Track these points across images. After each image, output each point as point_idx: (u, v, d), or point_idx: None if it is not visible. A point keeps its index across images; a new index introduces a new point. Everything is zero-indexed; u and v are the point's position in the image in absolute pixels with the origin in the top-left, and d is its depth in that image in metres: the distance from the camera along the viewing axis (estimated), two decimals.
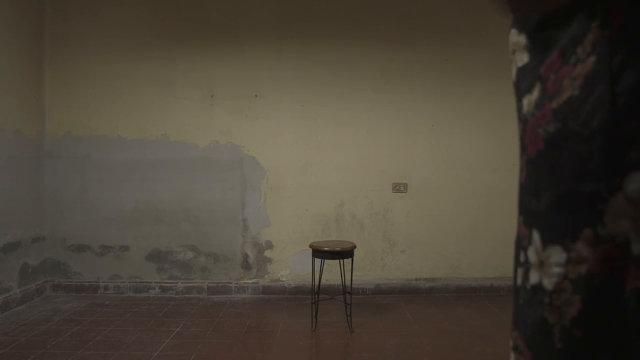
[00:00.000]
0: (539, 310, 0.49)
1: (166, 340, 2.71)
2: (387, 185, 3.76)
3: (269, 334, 2.83)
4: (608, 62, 0.44)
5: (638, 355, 0.40)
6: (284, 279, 3.75)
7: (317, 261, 3.04)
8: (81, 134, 3.75)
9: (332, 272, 3.66)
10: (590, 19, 0.45)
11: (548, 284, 0.48)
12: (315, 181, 3.75)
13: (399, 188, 3.76)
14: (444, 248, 3.77)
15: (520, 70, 0.56)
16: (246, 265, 3.75)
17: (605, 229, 0.43)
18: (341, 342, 2.71)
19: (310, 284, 3.61)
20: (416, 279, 3.76)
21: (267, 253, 3.76)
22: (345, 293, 3.01)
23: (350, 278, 3.07)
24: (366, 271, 3.74)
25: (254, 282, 3.72)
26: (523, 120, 0.54)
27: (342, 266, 3.08)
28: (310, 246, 2.92)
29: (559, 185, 0.47)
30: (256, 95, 3.76)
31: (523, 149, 0.54)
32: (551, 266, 0.48)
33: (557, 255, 0.47)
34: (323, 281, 3.55)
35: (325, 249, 2.81)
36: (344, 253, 2.85)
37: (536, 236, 0.50)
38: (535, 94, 0.52)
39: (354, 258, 3.11)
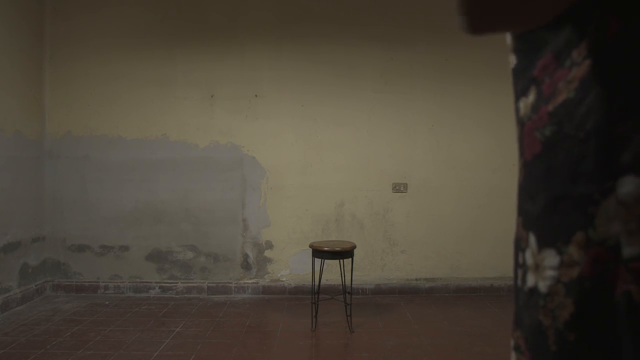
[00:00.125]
0: (534, 312, 0.49)
1: (166, 340, 2.71)
2: (387, 185, 3.76)
3: (269, 334, 2.83)
4: (603, 66, 0.44)
5: (628, 357, 0.40)
6: (284, 279, 3.75)
7: (317, 261, 3.04)
8: (81, 134, 3.75)
9: (332, 272, 3.66)
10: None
11: (543, 287, 0.48)
12: (315, 181, 3.75)
13: (399, 188, 3.76)
14: (444, 248, 3.77)
15: (513, 72, 0.57)
16: (246, 265, 3.75)
17: (596, 232, 0.43)
18: (341, 342, 2.71)
19: (310, 284, 3.61)
20: (416, 279, 3.76)
21: (267, 253, 3.76)
22: (345, 293, 3.01)
23: (350, 278, 3.07)
24: (366, 271, 3.74)
25: (254, 282, 3.73)
26: (520, 123, 0.54)
27: (342, 266, 3.08)
28: (310, 246, 2.92)
29: (554, 188, 0.48)
30: (256, 95, 3.76)
31: (521, 150, 0.55)
32: (545, 269, 0.48)
33: (551, 258, 0.47)
34: (323, 281, 3.55)
35: (325, 249, 2.81)
36: (344, 253, 2.85)
37: (532, 239, 0.51)
38: (531, 97, 0.52)
39: (354, 258, 3.11)
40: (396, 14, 3.73)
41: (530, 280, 0.51)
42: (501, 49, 3.62)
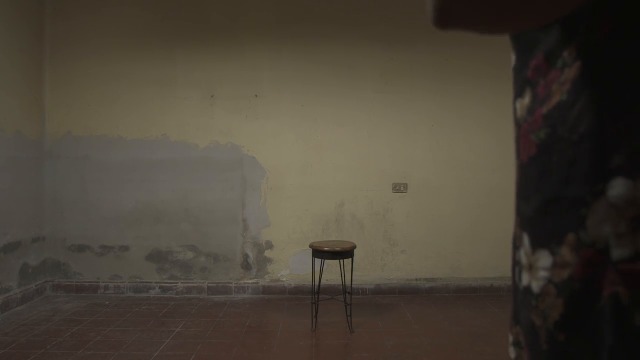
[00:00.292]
0: (528, 311, 0.50)
1: (166, 340, 2.71)
2: (387, 185, 3.76)
3: (269, 334, 2.83)
4: (594, 68, 0.44)
5: (605, 357, 0.41)
6: (284, 279, 3.75)
7: (317, 261, 3.04)
8: (81, 134, 3.75)
9: (332, 272, 3.66)
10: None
11: (535, 287, 0.49)
12: (315, 181, 3.75)
13: (399, 188, 3.76)
14: (444, 248, 3.77)
15: (513, 71, 0.57)
16: (246, 265, 3.75)
17: (587, 234, 0.43)
18: (341, 342, 2.71)
19: (310, 284, 3.61)
20: (416, 279, 3.76)
21: (267, 253, 3.76)
22: (345, 293, 3.01)
23: (350, 278, 3.07)
24: (366, 271, 3.74)
25: (254, 282, 3.73)
26: (517, 124, 0.55)
27: (342, 266, 3.08)
28: (310, 246, 2.92)
29: (547, 190, 0.48)
30: (256, 95, 3.76)
31: (517, 151, 0.55)
32: (538, 270, 0.48)
33: (544, 259, 0.48)
34: (323, 281, 3.56)
35: (325, 249, 2.81)
36: (344, 253, 2.85)
37: (526, 239, 0.51)
38: (526, 98, 0.52)
39: (354, 258, 3.11)
40: (396, 14, 3.73)
41: (525, 280, 0.51)
42: (501, 49, 3.62)
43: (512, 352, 0.56)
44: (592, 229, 0.43)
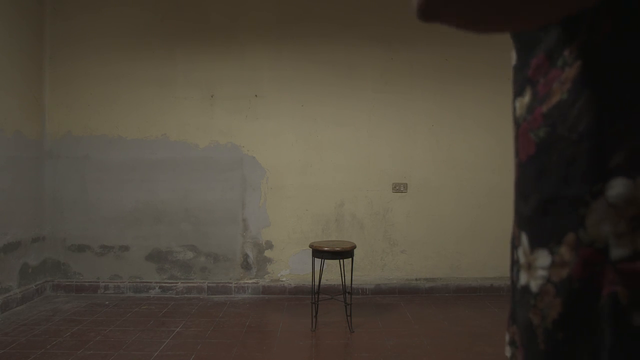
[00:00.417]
0: (526, 310, 0.50)
1: (166, 340, 2.71)
2: (387, 185, 3.76)
3: (269, 334, 2.83)
4: (595, 67, 0.44)
5: (612, 358, 0.41)
6: (284, 279, 3.75)
7: (317, 261, 3.04)
8: (81, 134, 3.75)
9: (332, 272, 3.66)
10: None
11: (534, 286, 0.49)
12: (315, 181, 3.75)
13: (399, 188, 3.76)
14: (444, 248, 3.77)
15: (513, 70, 0.57)
16: (246, 265, 3.75)
17: (586, 234, 0.43)
18: (341, 342, 2.71)
19: (310, 284, 3.61)
20: (416, 279, 3.76)
21: (267, 253, 3.76)
22: (345, 293, 3.01)
23: (350, 278, 3.07)
24: (366, 271, 3.74)
25: (254, 282, 3.73)
26: (516, 123, 0.54)
27: (342, 266, 3.08)
28: (310, 246, 2.92)
29: (546, 189, 0.48)
30: (256, 95, 3.76)
31: (516, 150, 0.55)
32: (537, 269, 0.48)
33: (543, 258, 0.48)
34: (323, 281, 3.56)
35: (325, 249, 2.81)
36: (344, 253, 2.85)
37: (524, 239, 0.51)
38: (526, 97, 0.52)
39: (354, 258, 3.11)
40: (396, 14, 3.73)
41: (523, 279, 0.51)
42: (501, 49, 3.62)
43: (508, 351, 0.56)
44: (591, 228, 0.43)
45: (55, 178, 3.74)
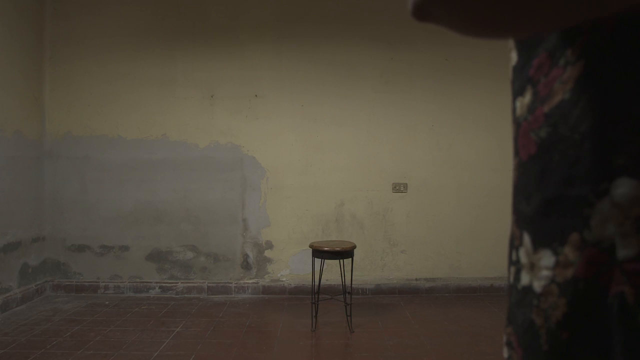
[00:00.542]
0: (527, 311, 0.50)
1: (166, 340, 2.71)
2: (387, 185, 3.76)
3: (269, 334, 2.83)
4: (597, 67, 0.44)
5: (619, 358, 0.41)
6: (284, 279, 3.75)
7: (317, 261, 3.04)
8: (81, 134, 3.75)
9: (332, 272, 3.66)
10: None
11: (537, 286, 0.48)
12: (315, 181, 3.75)
13: (399, 188, 3.76)
14: (443, 248, 3.77)
15: (513, 70, 0.56)
16: (246, 265, 3.75)
17: (591, 234, 0.43)
18: (341, 342, 2.71)
19: (310, 284, 3.61)
20: (416, 279, 3.76)
21: (267, 253, 3.76)
22: (345, 293, 3.01)
23: (350, 278, 3.07)
24: (366, 271, 3.74)
25: (254, 282, 3.73)
26: (516, 123, 0.54)
27: (342, 266, 3.08)
28: (310, 246, 2.92)
29: (548, 190, 0.48)
30: (256, 95, 3.76)
31: (516, 150, 0.54)
32: (541, 269, 0.48)
33: (546, 258, 0.47)
34: (323, 281, 3.56)
35: (325, 249, 2.81)
36: (344, 253, 2.85)
37: (527, 239, 0.51)
38: (527, 97, 0.52)
39: (354, 258, 3.11)
40: (396, 14, 3.73)
41: (525, 279, 0.51)
42: (502, 49, 3.62)
43: (505, 352, 0.56)
44: (596, 228, 0.43)
45: (55, 178, 3.74)
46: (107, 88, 3.75)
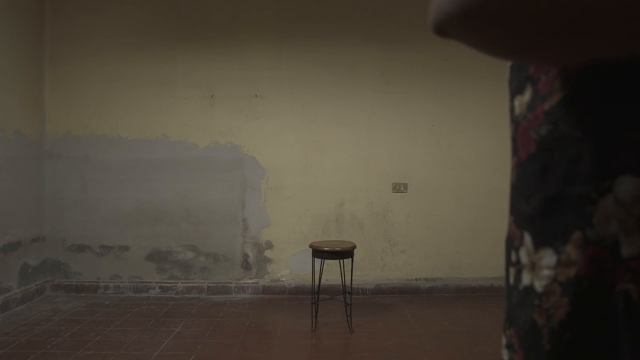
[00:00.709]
0: (529, 311, 0.49)
1: (166, 340, 2.71)
2: (387, 185, 3.76)
3: (269, 334, 2.83)
4: (599, 63, 0.43)
5: (626, 356, 0.40)
6: (284, 279, 3.75)
7: (317, 261, 3.04)
8: (81, 134, 3.75)
9: (332, 272, 3.66)
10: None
11: (539, 286, 0.48)
12: (315, 181, 3.75)
13: (399, 188, 3.76)
14: (443, 248, 3.77)
15: (511, 68, 0.56)
16: (246, 265, 3.75)
17: (594, 232, 0.43)
18: (341, 342, 2.71)
19: (310, 284, 3.61)
20: (416, 279, 3.76)
21: (267, 253, 3.76)
22: (345, 293, 3.01)
23: (350, 278, 3.07)
24: (366, 271, 3.74)
25: (254, 282, 3.73)
26: (515, 122, 0.54)
27: (342, 266, 3.08)
28: (310, 246, 2.92)
29: (549, 188, 0.47)
30: (256, 95, 3.76)
31: (515, 149, 0.54)
32: (542, 269, 0.48)
33: (548, 257, 0.47)
34: (323, 281, 3.56)
35: (325, 249, 2.81)
36: (344, 253, 2.85)
37: (527, 238, 0.50)
38: (527, 95, 0.51)
39: (354, 258, 3.11)
40: (396, 14, 3.73)
41: (526, 279, 0.50)
42: None
43: (505, 354, 0.56)
44: (599, 226, 0.42)
45: (55, 178, 3.74)
46: (107, 88, 3.75)
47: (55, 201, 3.74)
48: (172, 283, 3.72)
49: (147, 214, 3.74)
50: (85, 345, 2.61)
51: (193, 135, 3.75)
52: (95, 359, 2.42)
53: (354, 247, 2.91)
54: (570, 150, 0.45)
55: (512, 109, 0.55)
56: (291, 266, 3.75)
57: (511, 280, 0.54)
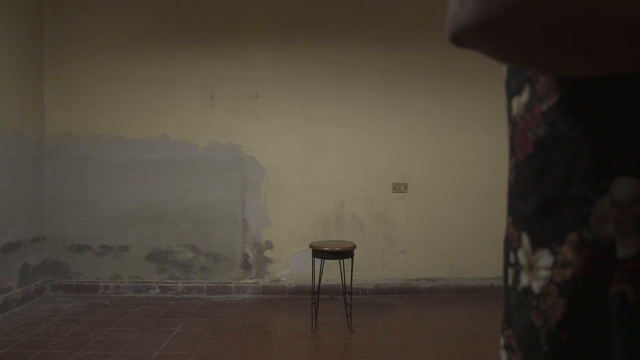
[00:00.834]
0: (527, 313, 0.49)
1: (166, 340, 2.71)
2: (387, 185, 3.76)
3: (269, 334, 2.83)
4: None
5: (620, 357, 0.40)
6: (284, 279, 3.75)
7: (317, 261, 3.04)
8: (81, 134, 3.75)
9: (332, 272, 3.66)
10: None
11: (536, 287, 0.48)
12: (315, 181, 3.75)
13: (399, 188, 3.76)
14: (443, 248, 3.77)
15: (509, 70, 0.56)
16: (246, 265, 3.75)
17: (590, 233, 0.43)
18: (341, 342, 2.71)
19: (310, 284, 3.61)
20: (416, 279, 3.76)
21: (267, 253, 3.76)
22: (345, 293, 3.01)
23: (350, 278, 3.07)
24: (366, 271, 3.74)
25: (254, 282, 3.73)
26: (513, 122, 0.54)
27: (342, 266, 3.08)
28: (310, 246, 2.92)
29: (547, 189, 0.47)
30: (256, 95, 3.76)
31: (512, 150, 0.54)
32: (539, 270, 0.48)
33: (545, 258, 0.47)
34: (323, 281, 3.56)
35: (325, 249, 2.81)
36: (344, 253, 2.85)
37: (525, 239, 0.50)
38: (524, 96, 0.51)
39: (354, 258, 3.11)
40: (396, 14, 3.73)
41: (524, 280, 0.50)
42: None
43: (503, 355, 0.56)
44: (595, 227, 0.42)
45: (55, 178, 3.74)
46: (107, 88, 3.75)
47: (55, 201, 3.74)
48: (172, 283, 3.72)
49: (147, 214, 3.74)
50: (85, 345, 2.61)
51: (193, 135, 3.75)
52: (95, 359, 2.42)
53: (354, 247, 2.91)
54: (568, 151, 0.45)
55: (509, 110, 0.55)
56: (291, 266, 3.75)
57: (510, 281, 0.54)
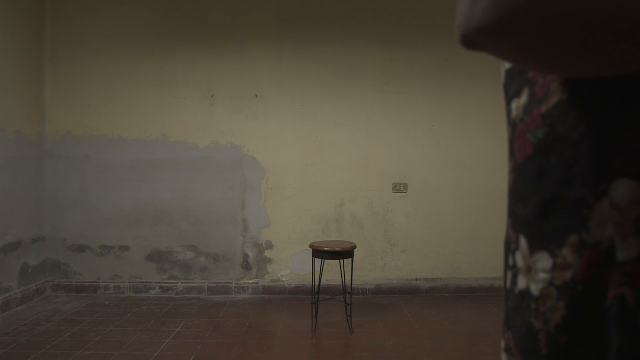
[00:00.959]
0: (526, 315, 0.49)
1: (166, 340, 2.71)
2: (387, 185, 3.76)
3: (269, 334, 2.83)
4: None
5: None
6: (284, 279, 3.75)
7: (317, 261, 3.04)
8: (81, 134, 3.75)
9: (332, 272, 3.66)
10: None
11: (535, 289, 0.48)
12: (315, 181, 3.75)
13: (399, 188, 3.76)
14: (443, 248, 3.77)
15: (508, 72, 0.56)
16: (246, 265, 3.76)
17: (590, 235, 0.42)
18: (341, 342, 2.71)
19: (310, 284, 3.61)
20: (416, 279, 3.76)
21: (267, 253, 3.76)
22: (345, 293, 3.01)
23: (350, 278, 3.07)
24: (366, 271, 3.74)
25: (254, 282, 3.73)
26: (512, 125, 0.54)
27: (342, 266, 3.08)
28: (310, 246, 2.92)
29: (546, 191, 0.47)
30: (256, 95, 3.76)
31: (512, 153, 0.54)
32: (538, 272, 0.47)
33: (543, 261, 0.47)
34: (323, 281, 3.56)
35: (325, 249, 2.81)
36: (344, 253, 2.85)
37: (523, 242, 0.50)
38: (523, 98, 0.51)
39: (354, 258, 3.11)
40: (396, 14, 3.73)
41: (521, 283, 0.50)
42: None
43: (503, 357, 0.56)
44: (595, 230, 0.42)
45: (55, 178, 3.74)
46: (107, 88, 3.75)
47: (55, 201, 3.74)
48: (172, 283, 3.72)
49: (147, 214, 3.74)
50: (85, 345, 2.61)
51: (193, 135, 3.75)
52: (95, 359, 2.42)
53: (354, 247, 2.91)
54: (567, 153, 0.45)
55: (508, 112, 0.55)
56: (291, 266, 3.75)
57: (508, 283, 0.54)
